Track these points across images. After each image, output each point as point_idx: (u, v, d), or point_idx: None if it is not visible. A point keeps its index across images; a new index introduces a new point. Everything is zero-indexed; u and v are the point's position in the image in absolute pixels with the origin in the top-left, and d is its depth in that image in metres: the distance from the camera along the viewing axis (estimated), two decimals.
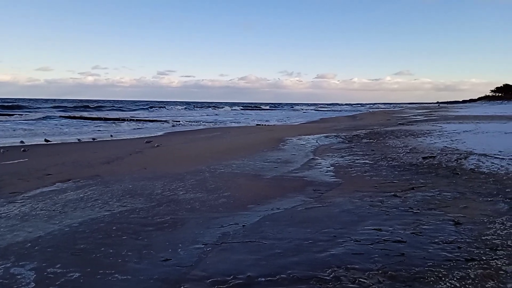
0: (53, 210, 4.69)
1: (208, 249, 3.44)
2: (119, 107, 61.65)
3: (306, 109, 75.43)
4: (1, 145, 11.87)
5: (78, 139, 14.46)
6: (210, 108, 70.34)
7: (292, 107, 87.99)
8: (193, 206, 4.82)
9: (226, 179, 6.37)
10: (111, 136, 16.54)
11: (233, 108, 71.97)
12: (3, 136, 15.89)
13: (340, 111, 66.82)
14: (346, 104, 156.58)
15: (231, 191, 5.57)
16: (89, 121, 28.17)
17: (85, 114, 37.26)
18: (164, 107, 63.61)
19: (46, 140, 13.67)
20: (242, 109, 69.10)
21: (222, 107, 74.95)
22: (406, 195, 5.08)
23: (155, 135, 17.32)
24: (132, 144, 12.77)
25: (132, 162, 8.47)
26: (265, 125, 25.79)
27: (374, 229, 3.81)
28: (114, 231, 3.94)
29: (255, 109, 73.02)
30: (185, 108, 65.14)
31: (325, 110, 70.11)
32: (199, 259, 3.24)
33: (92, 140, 14.53)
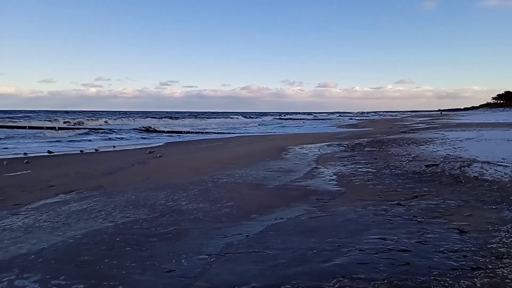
0: (56, 221, 4.69)
1: (212, 260, 3.42)
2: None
3: (338, 118, 76.87)
4: (4, 157, 11.90)
5: (81, 150, 14.48)
6: (241, 117, 67.21)
7: (316, 116, 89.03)
8: (196, 217, 4.81)
9: (229, 189, 6.36)
10: (114, 147, 16.61)
11: (275, 118, 74.37)
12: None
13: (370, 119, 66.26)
14: (373, 112, 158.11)
15: (234, 201, 5.56)
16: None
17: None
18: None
19: (49, 152, 13.69)
20: (280, 118, 71.37)
21: (266, 116, 78.19)
22: (410, 204, 5.05)
23: (157, 145, 17.36)
24: (135, 154, 12.80)
25: (135, 172, 8.47)
26: None
27: (379, 238, 3.79)
28: (117, 242, 3.93)
29: (299, 119, 70.30)
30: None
31: (357, 118, 71.25)
32: (203, 270, 3.22)
33: (95, 151, 14.56)
